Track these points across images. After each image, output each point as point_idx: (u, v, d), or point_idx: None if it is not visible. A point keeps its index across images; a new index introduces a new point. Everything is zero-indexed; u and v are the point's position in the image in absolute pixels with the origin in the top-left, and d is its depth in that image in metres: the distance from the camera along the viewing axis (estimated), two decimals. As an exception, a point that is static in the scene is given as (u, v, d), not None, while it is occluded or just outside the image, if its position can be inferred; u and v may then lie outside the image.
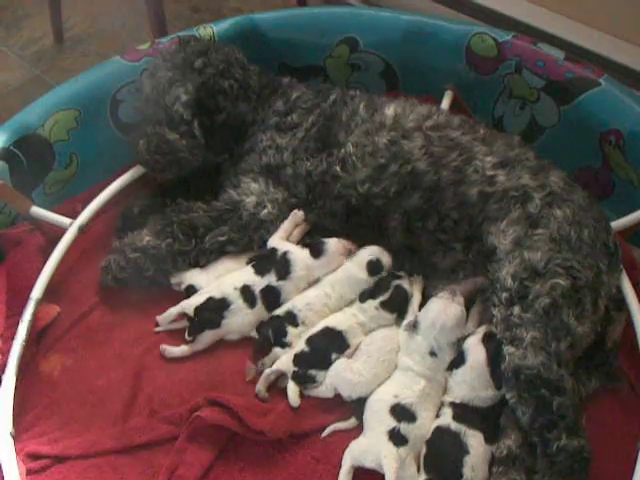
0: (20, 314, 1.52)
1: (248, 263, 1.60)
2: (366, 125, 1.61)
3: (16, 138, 1.62)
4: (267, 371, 1.46)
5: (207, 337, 1.51)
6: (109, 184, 1.75)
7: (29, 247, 1.63)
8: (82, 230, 1.64)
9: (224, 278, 1.57)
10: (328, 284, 1.54)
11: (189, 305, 1.53)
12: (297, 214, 1.61)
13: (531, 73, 1.70)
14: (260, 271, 1.55)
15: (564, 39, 1.90)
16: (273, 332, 1.50)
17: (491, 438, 1.35)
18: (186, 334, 1.51)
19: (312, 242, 1.59)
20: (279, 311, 1.53)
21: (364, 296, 1.51)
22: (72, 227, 1.63)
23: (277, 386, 1.48)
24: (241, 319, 1.52)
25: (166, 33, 1.95)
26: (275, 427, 1.37)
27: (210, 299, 1.52)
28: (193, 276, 1.59)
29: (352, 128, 1.62)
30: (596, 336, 1.44)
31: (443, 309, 1.42)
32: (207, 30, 1.79)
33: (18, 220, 1.66)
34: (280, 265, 1.55)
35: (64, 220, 1.65)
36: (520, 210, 1.46)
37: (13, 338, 1.49)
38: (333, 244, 1.56)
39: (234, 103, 1.65)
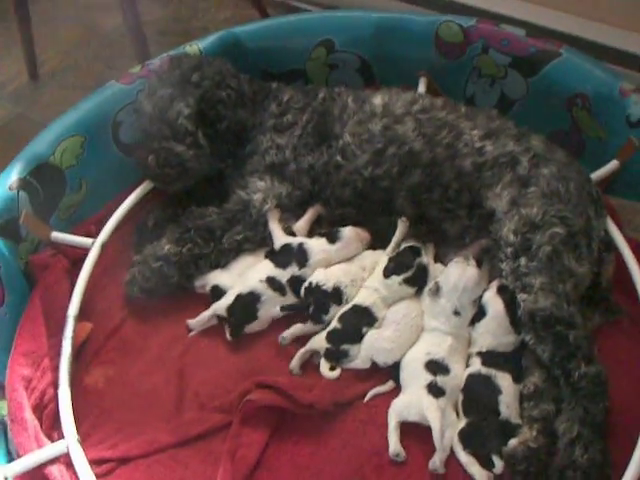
0: (59, 333, 1.62)
1: (266, 257, 1.72)
2: (358, 116, 1.78)
3: (31, 168, 1.71)
4: (301, 350, 1.59)
5: (252, 329, 1.63)
6: (118, 203, 1.87)
7: (56, 270, 1.73)
8: (104, 247, 1.76)
9: (247, 274, 1.69)
10: (359, 261, 1.69)
11: (220, 307, 1.65)
12: (312, 210, 1.75)
13: (497, 52, 1.89)
14: (282, 265, 1.67)
15: (522, 20, 2.11)
16: (315, 305, 1.62)
17: (518, 378, 1.53)
18: (228, 335, 1.62)
19: (328, 231, 1.72)
20: (326, 286, 1.63)
21: (388, 272, 1.63)
22: (95, 246, 1.75)
23: (313, 362, 1.60)
24: (276, 307, 1.64)
25: (149, 56, 2.06)
26: (321, 399, 1.51)
27: (239, 296, 1.64)
28: (216, 276, 1.71)
29: (346, 120, 1.79)
30: (592, 276, 1.63)
31: (462, 273, 1.58)
32: (193, 47, 1.93)
33: (41, 246, 1.75)
34: (299, 255, 1.67)
35: (86, 240, 1.76)
36: (511, 174, 1.65)
37: (58, 355, 1.59)
38: (348, 230, 1.71)
39: (233, 111, 1.79)
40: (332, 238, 1.70)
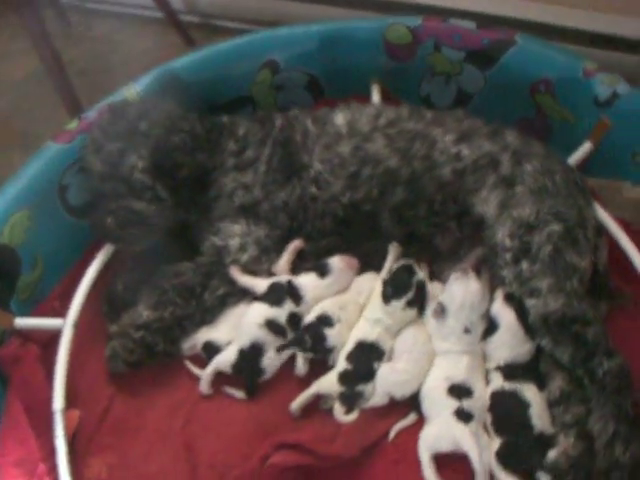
0: (47, 431, 1.50)
1: (255, 300, 1.63)
2: (323, 139, 1.71)
3: (-19, 254, 1.57)
4: (306, 393, 1.51)
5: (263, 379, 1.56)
6: (79, 272, 1.74)
7: (28, 361, 1.59)
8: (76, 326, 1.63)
9: (243, 322, 1.59)
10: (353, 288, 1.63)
11: (223, 362, 1.56)
12: (292, 245, 1.66)
13: (450, 48, 1.84)
14: (276, 302, 1.59)
15: (471, 11, 2.07)
16: (312, 339, 1.54)
17: (541, 386, 1.50)
18: (244, 394, 1.54)
19: (315, 265, 1.64)
20: (309, 319, 1.57)
21: (388, 297, 1.57)
22: (67, 326, 1.62)
23: (318, 407, 1.53)
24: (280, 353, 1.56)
25: (81, 108, 1.91)
26: (348, 447, 1.45)
27: (242, 352, 1.55)
28: (206, 333, 1.61)
29: (311, 147, 1.71)
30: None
31: (466, 289, 1.53)
32: (131, 90, 1.79)
33: (5, 336, 1.60)
34: (291, 292, 1.59)
35: (55, 322, 1.63)
36: (494, 175, 1.61)
37: (51, 455, 1.46)
38: (337, 261, 1.63)
39: (191, 156, 1.67)
40: (321, 272, 1.63)
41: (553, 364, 1.50)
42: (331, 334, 1.55)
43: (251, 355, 1.55)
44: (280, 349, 1.56)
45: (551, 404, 1.47)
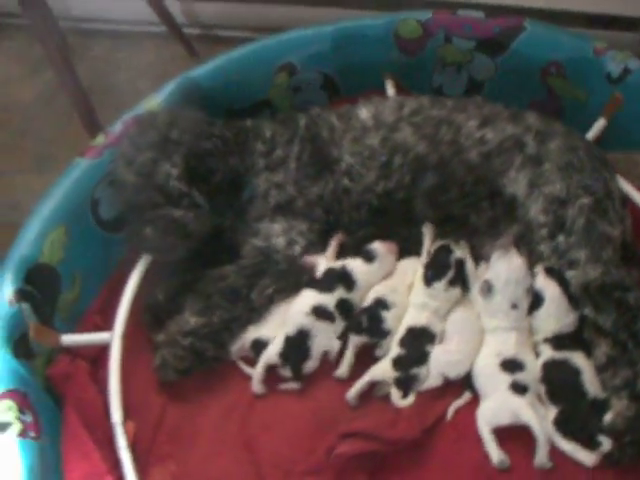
0: (108, 444, 1.50)
1: (306, 287, 1.65)
2: (351, 134, 1.75)
3: (24, 275, 1.56)
4: (361, 381, 1.54)
5: (309, 369, 1.57)
6: (115, 285, 1.76)
7: (80, 378, 1.60)
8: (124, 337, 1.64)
9: (291, 311, 1.61)
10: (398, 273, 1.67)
11: (271, 356, 1.58)
12: (339, 237, 1.71)
13: (460, 38, 1.90)
14: (328, 288, 1.62)
15: (477, 2, 2.13)
16: (369, 320, 1.59)
17: (587, 354, 1.55)
18: (293, 385, 1.56)
19: (359, 251, 1.68)
20: (366, 304, 1.62)
21: (429, 280, 1.61)
22: (115, 339, 1.62)
23: (373, 395, 1.56)
24: (327, 338, 1.58)
25: (99, 126, 1.92)
26: (410, 430, 1.48)
27: (288, 338, 1.58)
28: (253, 332, 1.63)
29: (339, 141, 1.75)
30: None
31: (510, 265, 1.58)
32: (152, 102, 1.82)
33: (54, 355, 1.61)
34: (344, 278, 1.63)
35: (102, 336, 1.64)
36: (520, 156, 1.67)
37: (116, 467, 1.47)
38: (379, 246, 1.67)
39: (223, 160, 1.70)
40: (367, 257, 1.67)
41: (597, 331, 1.55)
42: (388, 317, 1.59)
43: (298, 341, 1.57)
44: (340, 337, 1.59)
45: (599, 370, 1.52)
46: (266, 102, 1.98)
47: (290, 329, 1.59)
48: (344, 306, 1.62)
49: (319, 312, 1.60)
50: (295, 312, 1.61)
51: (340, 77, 2.00)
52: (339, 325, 1.61)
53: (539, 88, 1.92)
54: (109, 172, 1.74)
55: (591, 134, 1.84)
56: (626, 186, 1.75)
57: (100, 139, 1.78)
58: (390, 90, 1.97)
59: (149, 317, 1.72)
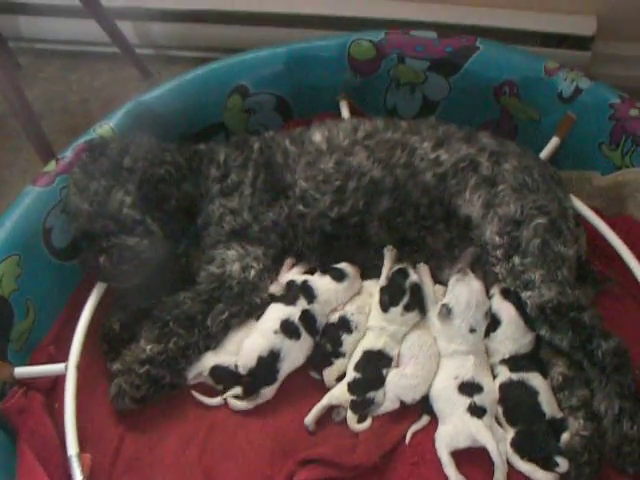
0: (63, 478, 1.49)
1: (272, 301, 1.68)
2: (305, 158, 1.76)
3: (-27, 308, 1.55)
4: (318, 406, 1.56)
5: (268, 393, 1.58)
6: (70, 315, 1.74)
7: (34, 410, 1.58)
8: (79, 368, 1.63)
9: (261, 330, 1.62)
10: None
11: (244, 365, 1.59)
12: (288, 262, 1.73)
13: (413, 59, 1.92)
14: (291, 301, 1.64)
15: (429, 22, 2.16)
16: (330, 343, 1.62)
17: (544, 374, 1.58)
18: (241, 393, 1.57)
19: (327, 269, 1.69)
20: (332, 319, 1.65)
21: (385, 305, 1.63)
22: (70, 369, 1.60)
23: (331, 420, 1.57)
24: (295, 357, 1.60)
25: (51, 150, 1.90)
26: (368, 455, 1.49)
27: (260, 358, 1.58)
28: (212, 359, 1.63)
29: (293, 166, 1.75)
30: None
31: (469, 289, 1.60)
32: (104, 128, 1.80)
33: (5, 389, 1.58)
34: (304, 291, 1.65)
35: (56, 367, 1.61)
36: (475, 176, 1.69)
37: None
38: (348, 267, 1.69)
39: (177, 186, 1.69)
40: (336, 276, 1.68)
41: (552, 352, 1.59)
42: (348, 340, 1.62)
43: (268, 362, 1.58)
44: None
45: (556, 390, 1.55)
46: (220, 125, 1.98)
47: (262, 350, 1.59)
48: (307, 317, 1.63)
49: (286, 328, 1.62)
50: (265, 329, 1.62)
51: (294, 99, 2.00)
52: (305, 340, 1.62)
53: (493, 107, 1.95)
54: (61, 200, 1.73)
55: (545, 153, 1.87)
56: (579, 204, 1.78)
57: (51, 166, 1.77)
58: (345, 111, 1.99)
59: (105, 346, 1.71)
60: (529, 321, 1.58)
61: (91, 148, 1.73)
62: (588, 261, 1.75)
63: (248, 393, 1.58)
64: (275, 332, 1.61)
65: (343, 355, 1.62)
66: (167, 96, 1.90)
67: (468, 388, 1.52)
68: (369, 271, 1.73)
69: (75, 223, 1.69)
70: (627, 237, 1.75)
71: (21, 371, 1.61)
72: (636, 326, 1.67)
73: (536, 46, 2.12)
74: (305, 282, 1.68)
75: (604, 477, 1.46)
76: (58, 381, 1.65)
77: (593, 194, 1.85)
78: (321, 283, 1.68)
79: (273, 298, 1.68)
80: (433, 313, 1.63)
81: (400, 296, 1.63)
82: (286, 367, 1.60)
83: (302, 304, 1.65)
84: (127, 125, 1.84)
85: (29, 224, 1.70)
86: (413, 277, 1.65)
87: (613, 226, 1.77)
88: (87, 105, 2.13)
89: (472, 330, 1.58)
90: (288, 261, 1.74)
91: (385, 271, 1.69)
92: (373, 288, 1.70)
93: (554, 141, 1.87)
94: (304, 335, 1.63)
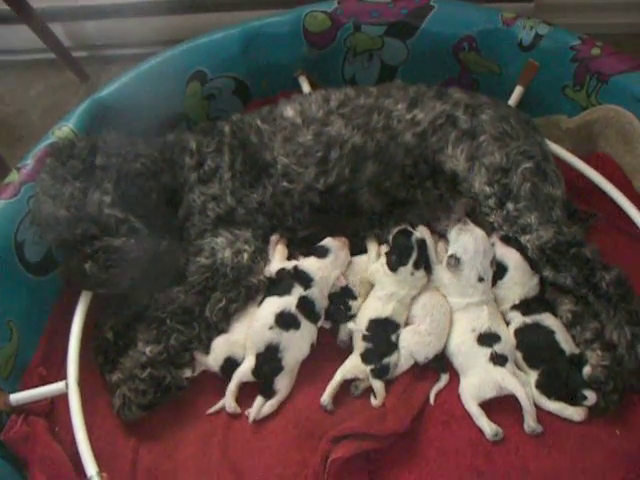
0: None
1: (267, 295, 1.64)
2: (281, 134, 1.72)
3: (-47, 336, 1.44)
4: (332, 383, 1.55)
5: (282, 384, 1.55)
6: (53, 332, 1.66)
7: (40, 436, 1.50)
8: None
9: (254, 328, 1.58)
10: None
11: (244, 373, 1.56)
12: (273, 239, 1.70)
13: (369, 25, 1.92)
14: (285, 291, 1.61)
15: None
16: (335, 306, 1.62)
17: (554, 314, 1.61)
18: (260, 398, 1.53)
19: (310, 249, 1.67)
20: (334, 289, 1.66)
21: (394, 265, 1.62)
22: (71, 386, 1.52)
23: (351, 394, 1.56)
24: (297, 347, 1.58)
25: (4, 164, 1.78)
26: (400, 421, 1.49)
27: (259, 356, 1.56)
28: (223, 349, 1.58)
29: (270, 144, 1.72)
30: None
31: (474, 237, 1.62)
32: (63, 130, 1.72)
33: (3, 418, 1.49)
34: (299, 277, 1.62)
35: (57, 387, 1.53)
36: (455, 131, 1.70)
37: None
38: (330, 241, 1.67)
39: (155, 179, 1.63)
40: (320, 253, 1.66)
41: (557, 291, 1.62)
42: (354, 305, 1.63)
43: (268, 356, 1.55)
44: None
45: (567, 327, 1.58)
46: (181, 114, 1.92)
47: (259, 347, 1.56)
48: (305, 303, 1.60)
49: (283, 320, 1.58)
50: (259, 328, 1.58)
51: (252, 80, 1.97)
52: (306, 328, 1.59)
53: (451, 66, 1.97)
54: (30, 211, 1.63)
55: (510, 102, 1.90)
56: (554, 146, 1.82)
57: (13, 176, 1.67)
58: (305, 86, 1.97)
59: (101, 358, 1.63)
60: (534, 265, 1.61)
61: (56, 151, 1.63)
62: (569, 201, 1.78)
63: (265, 392, 1.54)
64: (270, 328, 1.57)
65: (351, 318, 1.63)
66: (124, 90, 1.84)
67: (487, 338, 1.54)
68: (361, 242, 1.72)
69: (51, 233, 1.59)
70: (603, 173, 1.80)
71: (17, 397, 1.52)
72: (627, 257, 1.71)
73: (482, 1, 2.15)
74: (296, 267, 1.65)
75: (630, 404, 1.50)
76: (55, 403, 1.57)
77: (562, 137, 1.89)
78: (309, 264, 1.65)
79: (268, 288, 1.65)
80: (440, 271, 1.64)
81: (408, 253, 1.63)
82: (290, 357, 1.57)
83: (298, 291, 1.61)
84: (87, 124, 1.76)
85: (0, 239, 1.60)
86: (417, 234, 1.66)
87: (587, 164, 1.82)
88: (25, 115, 2.01)
89: (480, 279, 1.60)
90: (273, 238, 1.71)
91: (371, 256, 1.69)
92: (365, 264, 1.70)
93: (518, 90, 1.90)
94: (304, 323, 1.60)
